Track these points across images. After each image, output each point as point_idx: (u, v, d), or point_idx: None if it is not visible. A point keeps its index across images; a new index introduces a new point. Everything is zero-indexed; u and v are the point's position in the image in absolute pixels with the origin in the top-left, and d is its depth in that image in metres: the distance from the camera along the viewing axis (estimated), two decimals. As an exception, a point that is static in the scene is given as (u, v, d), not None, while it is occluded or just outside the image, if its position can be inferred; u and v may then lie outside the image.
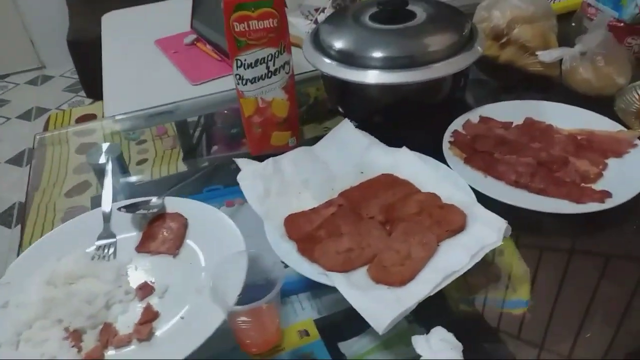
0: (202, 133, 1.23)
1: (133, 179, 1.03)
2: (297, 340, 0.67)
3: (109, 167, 0.83)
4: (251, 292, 0.61)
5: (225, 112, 1.18)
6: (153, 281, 0.68)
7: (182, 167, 1.14)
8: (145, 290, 0.66)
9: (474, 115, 0.92)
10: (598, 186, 0.77)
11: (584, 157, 0.82)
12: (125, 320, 0.63)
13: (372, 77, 0.85)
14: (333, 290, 0.64)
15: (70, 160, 1.06)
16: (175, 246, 0.71)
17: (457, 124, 0.90)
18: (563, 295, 0.68)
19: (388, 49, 0.86)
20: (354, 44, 0.88)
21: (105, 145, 0.96)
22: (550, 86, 1.02)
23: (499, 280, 0.72)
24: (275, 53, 0.80)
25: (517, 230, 0.74)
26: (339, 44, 0.89)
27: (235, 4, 0.74)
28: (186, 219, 0.75)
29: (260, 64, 0.80)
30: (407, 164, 0.81)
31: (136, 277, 0.69)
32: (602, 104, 0.93)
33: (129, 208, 0.75)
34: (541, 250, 0.75)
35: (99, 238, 0.73)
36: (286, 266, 0.67)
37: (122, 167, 0.98)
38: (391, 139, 0.86)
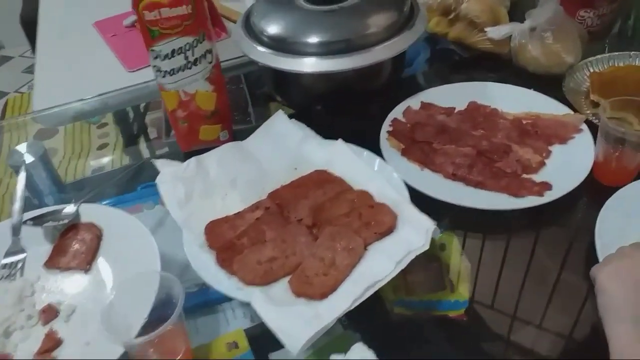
0: (143, 122, 1.17)
1: (63, 177, 0.98)
2: (225, 353, 0.63)
3: (22, 174, 0.77)
4: (158, 311, 0.56)
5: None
6: (60, 302, 0.63)
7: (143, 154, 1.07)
8: (49, 313, 0.61)
9: (415, 101, 0.87)
10: (540, 177, 0.73)
11: (527, 145, 0.77)
12: (27, 347, 0.58)
13: (306, 65, 0.80)
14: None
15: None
16: (86, 261, 0.66)
17: (397, 112, 0.85)
18: (502, 293, 0.65)
19: (322, 33, 0.80)
20: (287, 29, 0.82)
21: (23, 145, 0.89)
22: (501, 65, 0.97)
23: (439, 278, 0.68)
24: (193, 42, 0.73)
25: (460, 223, 0.71)
26: (270, 29, 0.82)
27: (141, -10, 0.67)
28: (101, 230, 0.70)
29: (178, 54, 0.73)
30: (342, 159, 0.76)
31: (42, 297, 0.64)
32: (552, 83, 0.89)
33: (37, 220, 0.69)
34: (483, 244, 0.72)
35: (6, 254, 0.68)
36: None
37: (47, 167, 0.91)
38: (330, 129, 0.81)
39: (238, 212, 0.71)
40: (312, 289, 0.60)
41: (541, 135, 0.78)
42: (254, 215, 0.70)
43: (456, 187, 0.73)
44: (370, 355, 0.54)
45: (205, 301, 0.66)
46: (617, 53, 0.93)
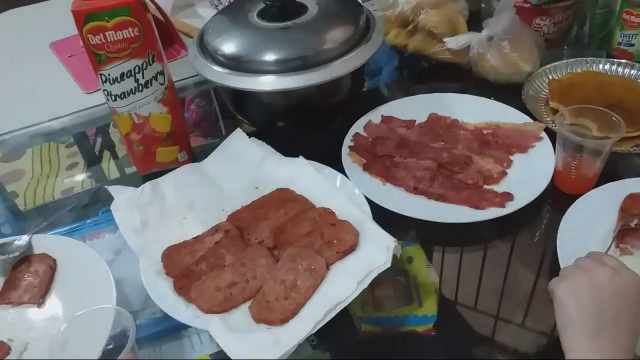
0: (103, 144, 1.14)
1: (21, 203, 0.94)
2: None
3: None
4: (115, 345, 0.54)
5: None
6: (12, 338, 0.60)
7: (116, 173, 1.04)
8: (1, 351, 0.58)
9: (376, 115, 0.86)
10: (501, 187, 0.73)
11: (488, 155, 0.77)
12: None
13: (264, 83, 0.78)
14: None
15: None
16: (39, 294, 0.64)
17: (358, 126, 0.84)
18: (469, 305, 0.65)
19: (278, 51, 0.79)
20: (242, 48, 0.81)
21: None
22: (461, 75, 0.98)
23: (406, 292, 0.68)
24: (142, 64, 0.71)
25: (426, 236, 0.71)
26: (225, 49, 0.81)
27: (85, 13, 0.65)
28: (55, 261, 0.67)
29: (127, 77, 0.71)
30: (303, 176, 0.75)
31: (-9, 337, 0.61)
32: (512, 92, 0.89)
33: (-17, 255, 0.66)
34: (449, 256, 0.72)
35: None
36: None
37: (2, 196, 0.89)
38: (292, 147, 0.80)
39: (197, 236, 0.69)
40: (273, 315, 0.58)
41: (502, 144, 0.79)
42: (213, 238, 0.68)
43: (418, 200, 0.72)
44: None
45: (170, 327, 0.65)
46: (574, 59, 0.94)
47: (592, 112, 0.73)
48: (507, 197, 0.70)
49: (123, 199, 0.71)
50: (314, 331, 0.56)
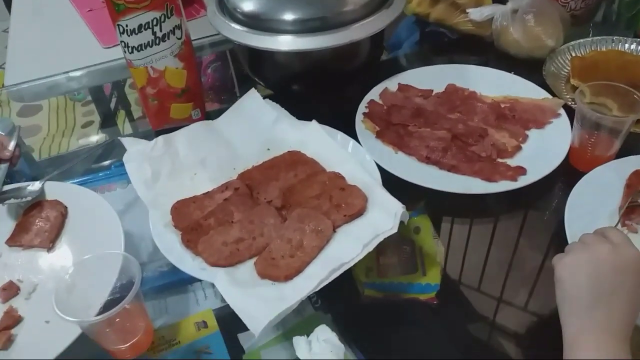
0: (118, 101, 1.14)
1: (36, 156, 0.95)
2: (194, 333, 0.63)
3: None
4: (122, 292, 0.55)
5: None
6: (21, 279, 0.62)
7: (130, 132, 1.05)
8: (10, 291, 0.60)
9: (393, 83, 0.85)
10: (515, 161, 0.72)
11: (504, 129, 0.76)
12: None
13: (281, 43, 0.77)
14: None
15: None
16: (49, 239, 0.65)
17: (374, 93, 0.83)
18: (474, 277, 0.65)
19: (298, 11, 0.78)
20: (261, 6, 0.79)
21: (-7, 122, 0.86)
22: (482, 47, 0.96)
23: (411, 260, 0.68)
24: (160, 17, 0.71)
25: (434, 207, 0.70)
26: (245, 6, 0.80)
27: (105, -38, 0.65)
28: (66, 208, 0.68)
29: (145, 29, 0.71)
30: (315, 140, 0.75)
31: (3, 274, 0.62)
32: (533, 67, 0.87)
33: (-1, 197, 0.67)
34: (457, 228, 0.71)
35: None
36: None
37: (18, 145, 0.89)
38: (306, 110, 0.79)
39: (207, 192, 0.70)
40: (277, 271, 0.58)
41: (518, 119, 0.77)
42: (223, 195, 0.69)
43: (430, 170, 0.72)
44: (334, 337, 0.53)
45: (176, 281, 0.65)
46: (599, 37, 0.91)
47: (613, 90, 0.71)
48: (520, 171, 0.69)
49: (135, 151, 0.71)
50: (317, 289, 0.56)
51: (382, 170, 0.70)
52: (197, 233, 0.64)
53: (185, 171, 0.72)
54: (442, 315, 0.62)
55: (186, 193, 0.70)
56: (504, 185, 0.68)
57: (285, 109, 0.80)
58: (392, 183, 0.69)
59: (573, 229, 0.61)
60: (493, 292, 0.63)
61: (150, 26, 0.71)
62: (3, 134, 0.82)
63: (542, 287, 0.62)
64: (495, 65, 0.88)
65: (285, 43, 0.77)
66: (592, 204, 0.64)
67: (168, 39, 0.73)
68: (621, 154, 0.70)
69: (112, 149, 0.87)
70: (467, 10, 0.92)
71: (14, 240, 0.65)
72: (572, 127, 0.73)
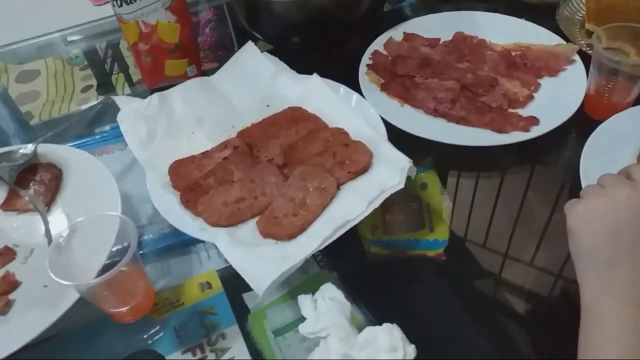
0: (114, 61, 1.10)
1: (30, 120, 0.93)
2: (198, 294, 0.62)
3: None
4: (121, 255, 0.53)
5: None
6: (17, 244, 0.60)
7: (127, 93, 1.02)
8: (6, 255, 0.59)
9: (398, 32, 0.80)
10: (527, 111, 0.69)
11: (515, 78, 0.73)
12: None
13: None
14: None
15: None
16: (44, 202, 0.63)
17: (378, 43, 0.79)
18: (483, 232, 0.62)
19: (295, -45, 0.73)
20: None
21: (-20, 84, 0.83)
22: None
23: (418, 217, 0.66)
24: (149, -34, 0.67)
25: (442, 162, 0.68)
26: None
27: None
28: (60, 170, 0.66)
29: (134, -20, 0.67)
30: (317, 95, 0.71)
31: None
32: (545, 12, 0.83)
33: (-11, 160, 0.65)
34: (466, 183, 0.69)
35: None
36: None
37: (9, 106, 0.87)
38: (306, 64, 0.75)
39: (205, 152, 0.67)
40: (280, 230, 0.56)
41: (530, 67, 0.73)
42: (222, 154, 0.66)
43: (438, 123, 0.69)
44: (340, 295, 0.52)
45: (178, 242, 0.64)
46: (617, -21, 0.86)
47: (631, 33, 0.67)
48: (533, 121, 0.66)
49: (129, 110, 0.69)
50: (322, 247, 0.54)
51: (387, 124, 0.67)
52: (197, 193, 0.62)
53: (182, 130, 0.69)
54: (451, 272, 0.60)
55: (184, 153, 0.67)
56: (515, 137, 0.65)
57: (285, 62, 0.76)
58: (398, 138, 0.66)
59: (589, 181, 0.58)
60: (503, 248, 0.61)
61: (139, -24, 0.67)
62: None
63: (556, 243, 0.60)
64: (505, 11, 0.84)
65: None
66: (608, 154, 0.61)
67: (158, -10, 0.69)
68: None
69: (109, 111, 0.84)
70: (476, -47, 0.86)
71: (8, 205, 0.63)
72: (587, 74, 0.69)
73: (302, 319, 0.55)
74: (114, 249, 0.54)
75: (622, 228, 0.42)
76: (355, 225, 0.56)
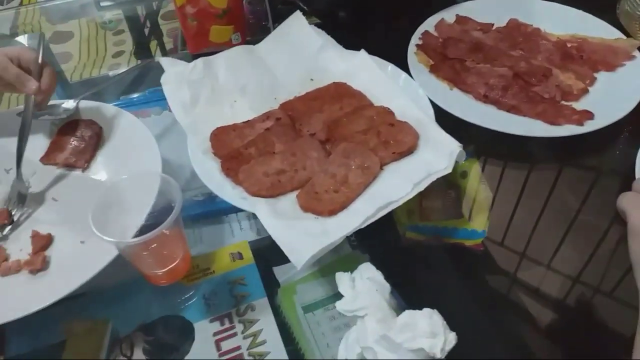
0: (158, 29, 1.09)
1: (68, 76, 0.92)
2: (229, 263, 0.61)
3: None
4: (159, 217, 0.53)
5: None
6: (56, 198, 0.60)
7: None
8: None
9: (450, 14, 0.78)
10: (581, 104, 0.66)
11: (570, 70, 0.70)
12: (17, 241, 0.56)
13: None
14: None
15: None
16: (84, 159, 0.63)
17: (429, 24, 0.77)
18: (522, 227, 0.61)
19: None
20: None
21: (23, 37, 0.83)
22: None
23: (456, 206, 0.64)
24: None
25: (485, 150, 0.66)
26: None
27: None
28: (101, 128, 0.65)
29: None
30: (363, 72, 0.70)
31: (37, 192, 0.61)
32: (605, 5, 0.79)
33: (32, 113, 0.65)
34: (508, 174, 0.67)
35: None
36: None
37: (50, 62, 0.86)
38: (353, 39, 0.73)
39: (247, 121, 0.66)
40: (321, 205, 0.55)
41: (587, 60, 0.71)
42: (264, 125, 0.65)
43: (487, 110, 0.66)
44: (379, 276, 0.51)
45: (211, 211, 0.64)
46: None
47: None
48: (587, 115, 0.64)
49: (174, 72, 0.68)
50: (363, 226, 0.53)
51: (434, 107, 0.65)
52: (237, 162, 0.61)
53: (225, 97, 0.68)
54: (488, 263, 0.58)
55: (225, 120, 0.66)
56: (568, 130, 0.63)
57: (332, 37, 0.74)
58: (441, 122, 0.64)
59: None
60: (545, 244, 0.59)
61: None
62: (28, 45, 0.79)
63: (601, 239, 0.58)
64: (563, 1, 0.80)
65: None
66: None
67: (211, -50, 0.67)
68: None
69: (147, 75, 0.84)
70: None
71: (48, 158, 0.63)
72: (647, 71, 0.66)
73: (333, 297, 0.54)
74: (154, 208, 0.53)
75: None
76: (392, 208, 0.55)
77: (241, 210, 0.65)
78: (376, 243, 0.60)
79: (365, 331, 0.47)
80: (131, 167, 0.60)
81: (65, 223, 0.58)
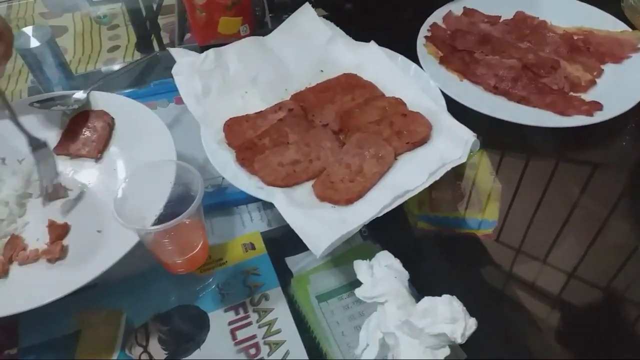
0: (156, 23, 1.09)
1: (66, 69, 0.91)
2: (242, 254, 0.62)
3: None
4: (176, 205, 0.53)
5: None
6: (69, 188, 0.60)
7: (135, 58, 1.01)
8: (55, 191, 0.58)
9: (457, 6, 0.79)
10: (589, 96, 0.67)
11: (577, 61, 0.71)
12: (34, 230, 0.56)
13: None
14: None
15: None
16: (97, 149, 0.62)
17: (437, 16, 0.77)
18: (531, 216, 0.62)
19: None
20: None
21: (30, 29, 0.82)
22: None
23: (466, 197, 0.65)
24: None
25: (494, 141, 0.67)
26: None
27: None
28: (113, 118, 0.65)
29: None
30: (373, 63, 0.70)
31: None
32: (610, -1, 0.80)
33: (45, 103, 0.64)
34: (516, 164, 0.68)
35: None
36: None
37: (55, 55, 0.85)
38: (360, 31, 0.74)
39: (259, 112, 0.66)
40: (338, 194, 0.56)
41: (593, 52, 0.72)
42: (277, 116, 0.65)
43: (497, 100, 0.67)
44: (397, 263, 0.51)
45: (222, 202, 0.64)
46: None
47: None
48: (596, 106, 0.65)
49: (185, 63, 0.67)
50: (380, 215, 0.54)
51: (444, 98, 0.66)
52: (252, 152, 0.61)
53: (236, 89, 0.68)
54: (499, 253, 0.59)
55: (237, 111, 0.66)
56: (578, 120, 0.63)
57: (340, 28, 0.74)
58: (453, 112, 0.64)
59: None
60: (551, 233, 0.60)
61: None
62: (41, 43, 0.79)
63: (610, 232, 0.59)
64: (568, -6, 0.81)
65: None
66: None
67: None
68: None
69: (152, 67, 0.83)
70: None
71: (61, 149, 0.63)
72: (653, 63, 0.67)
73: (346, 286, 0.55)
74: (171, 198, 0.53)
75: None
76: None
77: (251, 202, 0.66)
78: (387, 233, 0.60)
79: (386, 317, 0.48)
80: (145, 157, 0.59)
81: (81, 212, 0.58)
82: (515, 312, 0.55)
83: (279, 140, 0.63)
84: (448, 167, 0.57)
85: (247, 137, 0.63)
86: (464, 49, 0.72)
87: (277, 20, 0.86)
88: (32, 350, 0.54)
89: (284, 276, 0.60)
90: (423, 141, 0.61)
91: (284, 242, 0.63)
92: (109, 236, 0.55)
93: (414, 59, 0.71)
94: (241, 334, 0.56)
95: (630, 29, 0.74)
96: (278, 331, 0.56)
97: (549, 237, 0.60)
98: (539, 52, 0.71)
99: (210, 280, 0.59)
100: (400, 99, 0.65)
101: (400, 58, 0.70)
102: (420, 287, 0.54)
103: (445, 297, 0.48)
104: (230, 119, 0.65)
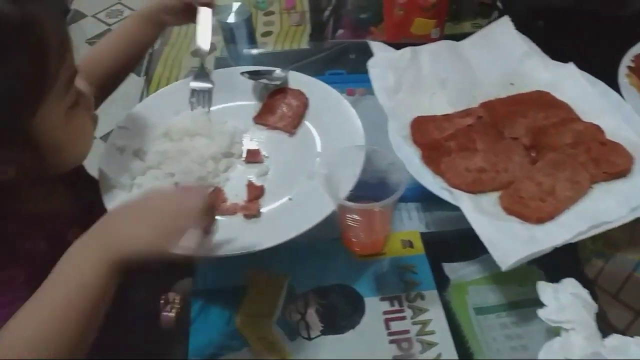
0: (333, 12, 1.13)
1: (256, 48, 0.98)
2: (400, 249, 0.64)
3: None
4: (363, 189, 0.56)
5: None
6: (267, 155, 0.65)
7: (304, 46, 1.06)
8: (254, 155, 0.63)
9: (668, 39, 0.73)
10: None
11: None
12: (233, 187, 0.61)
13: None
14: (445, 206, 0.57)
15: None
16: (292, 125, 0.66)
17: (642, 47, 0.73)
18: None
19: None
20: None
21: (235, 5, 0.90)
22: None
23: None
24: None
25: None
26: None
27: None
28: (307, 99, 0.69)
29: None
30: (570, 85, 0.68)
31: (249, 147, 0.65)
32: None
33: (253, 75, 0.70)
34: None
35: (195, 78, 0.70)
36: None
37: (249, 33, 0.92)
38: (556, 51, 0.71)
39: (447, 115, 0.67)
40: (529, 211, 0.55)
41: None
42: (465, 121, 0.66)
43: None
44: (585, 294, 0.50)
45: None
46: None
47: None
48: None
49: (382, 57, 0.70)
50: (574, 241, 0.52)
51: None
52: (438, 152, 0.62)
53: (425, 88, 0.69)
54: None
55: (423, 110, 0.67)
56: None
57: (534, 45, 0.73)
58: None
59: None
60: None
61: None
62: (238, 20, 0.86)
63: None
64: None
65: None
66: None
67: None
68: None
69: (333, 57, 0.87)
70: None
71: (260, 119, 0.68)
72: None
73: (506, 305, 0.55)
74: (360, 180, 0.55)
75: None
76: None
77: (412, 201, 0.67)
78: (552, 261, 0.58)
79: (571, 345, 0.47)
80: (335, 138, 0.63)
81: (275, 179, 0.62)
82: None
83: (466, 146, 0.63)
84: (654, 205, 0.53)
85: (433, 137, 0.64)
86: (674, 85, 0.67)
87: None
88: (203, 294, 0.60)
89: (440, 281, 0.60)
90: (623, 173, 0.58)
91: (441, 247, 0.63)
92: (299, 205, 0.58)
93: (615, 89, 0.68)
94: (395, 326, 0.57)
95: None
96: (432, 332, 0.57)
97: None
98: None
99: (369, 267, 0.61)
100: (598, 126, 0.63)
101: (601, 84, 0.67)
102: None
103: (638, 339, 0.46)
104: (418, 117, 0.66)
